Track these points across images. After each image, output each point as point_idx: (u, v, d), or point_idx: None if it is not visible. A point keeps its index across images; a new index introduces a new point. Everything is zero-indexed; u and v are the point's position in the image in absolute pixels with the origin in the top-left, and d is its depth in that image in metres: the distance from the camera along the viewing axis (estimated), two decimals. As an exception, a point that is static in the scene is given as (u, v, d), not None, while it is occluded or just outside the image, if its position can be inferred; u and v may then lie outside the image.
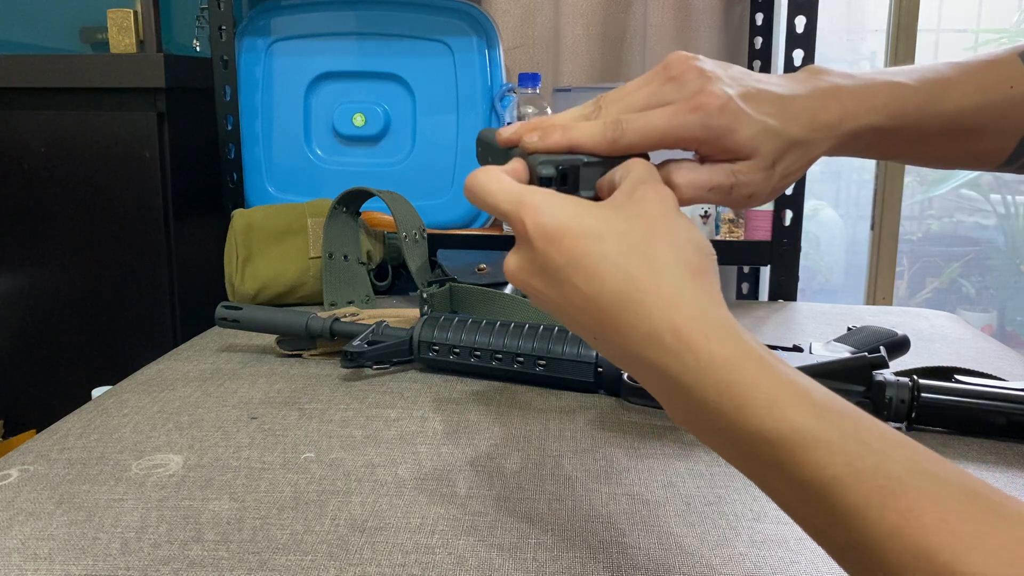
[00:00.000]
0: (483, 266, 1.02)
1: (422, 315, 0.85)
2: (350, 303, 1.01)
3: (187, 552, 0.47)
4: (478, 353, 0.75)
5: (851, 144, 0.47)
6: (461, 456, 0.60)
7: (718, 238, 1.18)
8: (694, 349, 0.34)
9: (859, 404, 0.61)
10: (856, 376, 0.64)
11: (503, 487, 0.55)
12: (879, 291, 1.63)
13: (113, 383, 0.79)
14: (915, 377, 0.64)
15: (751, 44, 1.38)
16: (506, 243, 1.15)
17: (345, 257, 1.02)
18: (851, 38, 2.04)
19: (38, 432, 0.67)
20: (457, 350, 0.76)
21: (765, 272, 1.42)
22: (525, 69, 1.43)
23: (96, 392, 1.03)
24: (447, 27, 1.19)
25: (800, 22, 1.06)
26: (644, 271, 0.36)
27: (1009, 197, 2.23)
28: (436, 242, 1.14)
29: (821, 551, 0.47)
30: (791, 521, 0.50)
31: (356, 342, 0.76)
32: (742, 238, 1.18)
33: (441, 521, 0.51)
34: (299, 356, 0.84)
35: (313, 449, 0.61)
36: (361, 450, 0.61)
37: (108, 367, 1.23)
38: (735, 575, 0.45)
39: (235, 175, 1.22)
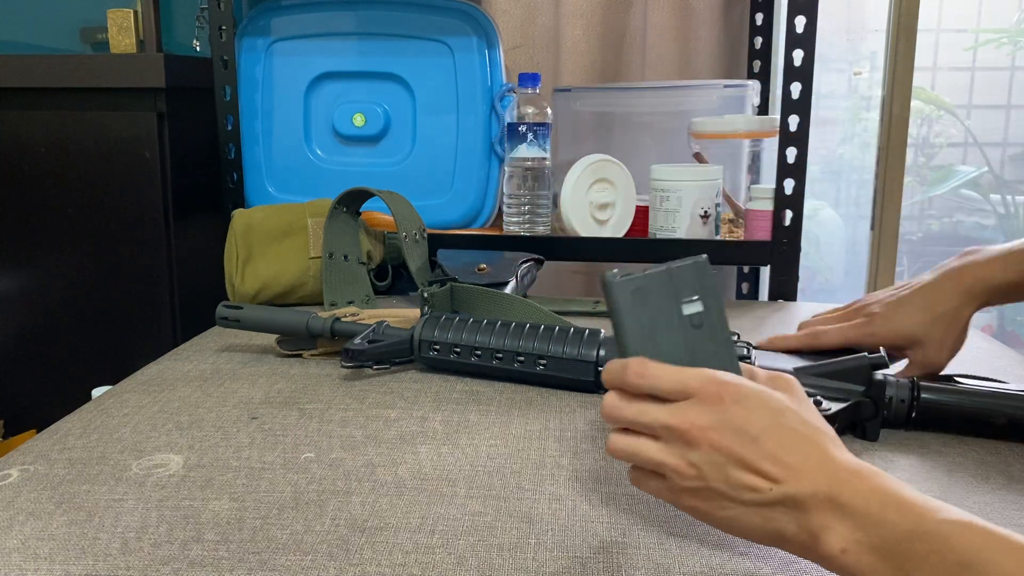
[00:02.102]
0: (483, 266, 1.02)
1: (423, 315, 0.85)
2: (350, 303, 1.01)
3: (187, 552, 0.47)
4: (479, 352, 0.75)
5: (994, 298, 0.67)
6: (461, 456, 0.60)
7: (718, 238, 1.18)
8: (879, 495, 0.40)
9: (859, 404, 0.60)
10: (856, 376, 0.64)
11: (503, 487, 0.55)
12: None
13: (113, 383, 0.79)
14: (915, 378, 0.64)
15: (751, 44, 1.39)
16: (506, 243, 1.15)
17: (345, 257, 1.02)
18: (851, 38, 2.04)
19: (38, 432, 0.67)
20: (458, 349, 0.76)
21: (765, 272, 1.42)
22: (525, 69, 1.43)
23: (96, 392, 1.03)
24: (447, 27, 1.19)
25: (800, 22, 1.06)
26: (816, 441, 0.42)
27: (1009, 197, 2.23)
28: (436, 242, 1.14)
29: (821, 551, 0.47)
30: (791, 521, 0.50)
31: (357, 340, 0.76)
32: (742, 238, 1.18)
33: (441, 521, 0.51)
34: (299, 356, 0.84)
35: (313, 449, 0.61)
36: (361, 450, 0.61)
37: (108, 367, 1.23)
38: (735, 575, 0.45)
39: (235, 175, 1.22)
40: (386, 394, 0.73)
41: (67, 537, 0.49)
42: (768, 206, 1.12)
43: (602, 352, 0.72)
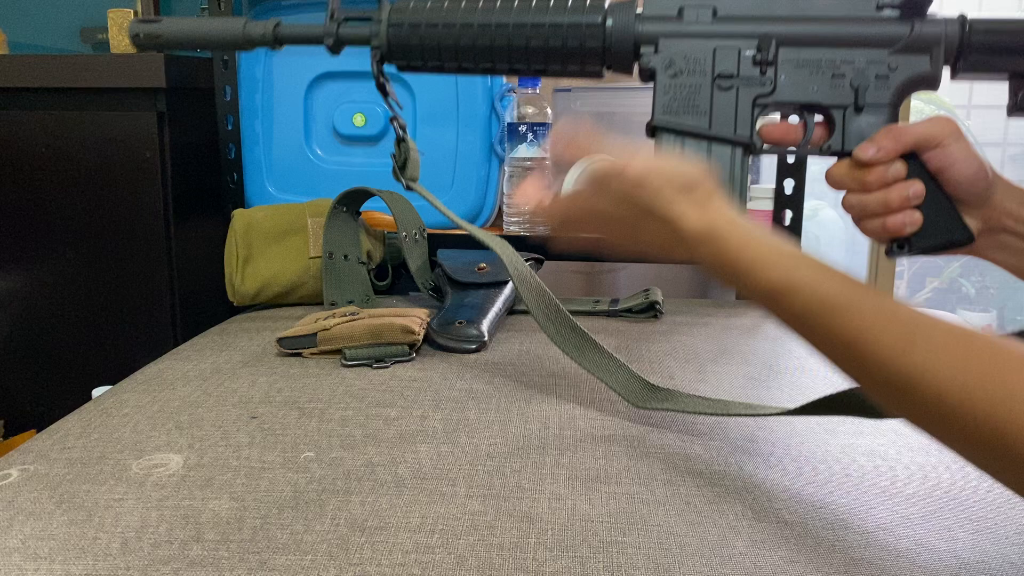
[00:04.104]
0: (483, 265, 1.02)
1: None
2: (350, 303, 1.01)
3: (187, 552, 0.47)
4: (464, 52, 0.62)
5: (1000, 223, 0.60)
6: (461, 456, 0.60)
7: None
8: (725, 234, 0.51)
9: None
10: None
11: (503, 487, 0.55)
12: (879, 291, 1.62)
13: (113, 383, 0.79)
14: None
15: (751, 44, 1.38)
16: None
17: (345, 257, 1.02)
18: (851, 38, 2.04)
19: (38, 432, 0.67)
20: (440, 56, 0.63)
21: (765, 272, 1.42)
22: (525, 69, 1.43)
23: (96, 392, 1.03)
24: (447, 27, 1.19)
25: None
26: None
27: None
28: (436, 242, 1.14)
29: (820, 550, 0.47)
30: (791, 521, 0.51)
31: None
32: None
33: (441, 521, 0.51)
34: (299, 355, 0.84)
35: (313, 448, 0.61)
36: (361, 449, 0.61)
37: (108, 367, 1.23)
38: (735, 575, 0.45)
39: (235, 175, 1.22)
40: (386, 393, 0.73)
41: (67, 537, 0.49)
42: (768, 206, 1.12)
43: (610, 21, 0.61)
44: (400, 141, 0.74)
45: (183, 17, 0.67)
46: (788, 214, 1.11)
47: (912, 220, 0.59)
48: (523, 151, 1.15)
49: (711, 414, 0.65)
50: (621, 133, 1.29)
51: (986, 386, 0.38)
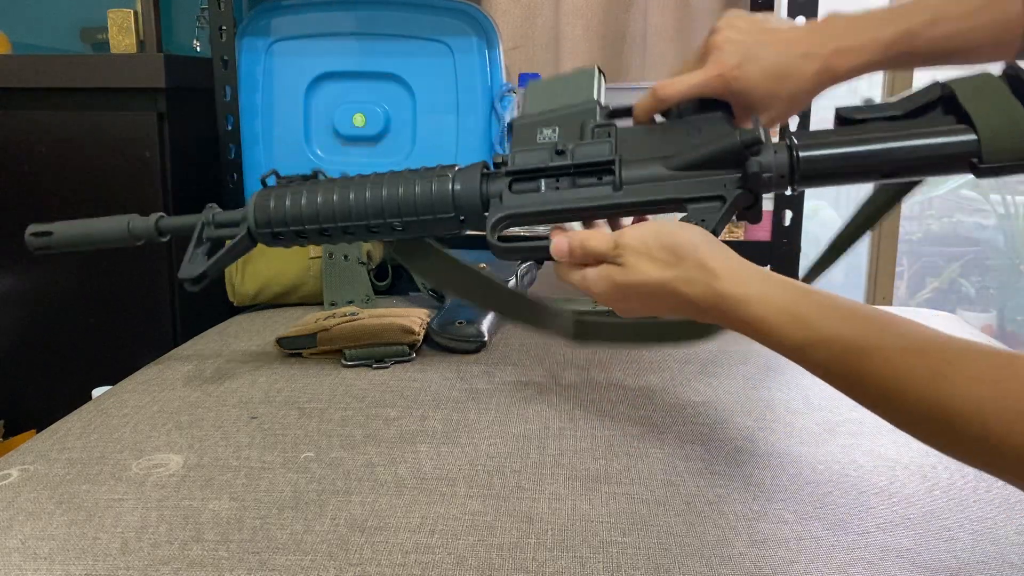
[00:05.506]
0: (483, 265, 1.01)
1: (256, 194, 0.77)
2: (350, 303, 1.01)
3: (187, 552, 0.47)
4: (328, 230, 0.70)
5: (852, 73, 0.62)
6: (461, 455, 0.60)
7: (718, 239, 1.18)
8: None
9: (736, 199, 0.60)
10: (728, 161, 0.59)
11: (503, 487, 0.55)
12: (879, 291, 1.63)
13: (113, 383, 0.79)
14: (791, 138, 0.59)
15: (751, 44, 1.38)
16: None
17: (345, 257, 1.02)
18: (851, 38, 2.04)
19: (38, 432, 0.67)
20: (304, 233, 0.71)
21: (765, 272, 1.42)
22: (525, 69, 1.43)
23: (96, 392, 1.03)
24: (447, 27, 1.19)
25: (800, 22, 1.06)
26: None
27: (1009, 197, 2.23)
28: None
29: (820, 550, 0.47)
30: (791, 521, 0.51)
31: (187, 257, 0.75)
32: (742, 238, 1.18)
33: (441, 521, 0.51)
34: (299, 355, 0.84)
35: (313, 448, 0.61)
36: (361, 449, 0.61)
37: (108, 367, 1.23)
38: (735, 575, 0.45)
39: (235, 175, 1.22)
40: (386, 393, 0.73)
41: (67, 537, 0.49)
42: (769, 207, 1.12)
43: (458, 186, 0.67)
44: None
45: (74, 221, 0.79)
46: (788, 214, 1.11)
47: None
48: (523, 151, 1.15)
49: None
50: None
51: None
